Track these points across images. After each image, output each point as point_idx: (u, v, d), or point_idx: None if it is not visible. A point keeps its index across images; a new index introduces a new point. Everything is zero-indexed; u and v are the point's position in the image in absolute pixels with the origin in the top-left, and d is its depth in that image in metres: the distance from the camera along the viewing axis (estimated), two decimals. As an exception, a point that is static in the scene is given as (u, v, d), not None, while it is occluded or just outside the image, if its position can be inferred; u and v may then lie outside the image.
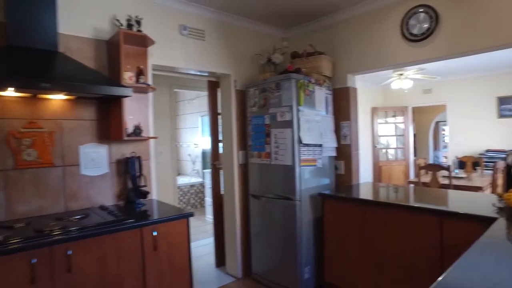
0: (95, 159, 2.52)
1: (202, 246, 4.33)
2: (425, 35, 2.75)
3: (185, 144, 7.64)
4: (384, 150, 7.34)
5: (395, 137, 7.38)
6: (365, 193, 2.94)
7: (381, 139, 7.31)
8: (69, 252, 1.79)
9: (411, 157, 7.36)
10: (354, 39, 3.19)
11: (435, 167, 4.32)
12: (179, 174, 7.50)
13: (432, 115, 9.14)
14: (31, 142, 2.24)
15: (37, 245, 1.69)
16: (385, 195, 2.93)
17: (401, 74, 5.33)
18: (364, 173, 6.62)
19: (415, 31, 2.81)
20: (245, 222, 3.40)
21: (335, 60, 3.32)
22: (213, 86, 3.67)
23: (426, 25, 2.74)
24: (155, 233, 2.11)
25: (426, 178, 4.55)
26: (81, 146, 2.46)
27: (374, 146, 7.18)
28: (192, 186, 6.78)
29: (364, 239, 2.58)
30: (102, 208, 2.40)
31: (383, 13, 2.98)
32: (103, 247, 1.92)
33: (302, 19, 3.42)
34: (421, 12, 2.77)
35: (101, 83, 2.09)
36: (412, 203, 2.52)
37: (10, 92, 1.98)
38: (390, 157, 7.38)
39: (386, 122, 7.33)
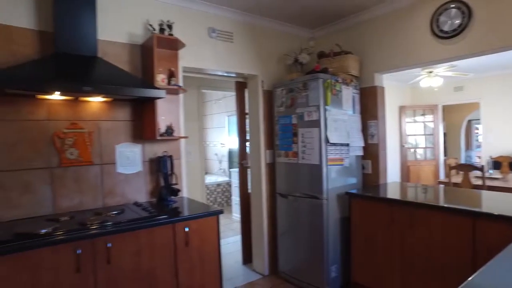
0: (130, 158, 2.65)
1: (229, 244, 4.42)
2: (457, 32, 2.68)
3: (212, 144, 7.78)
4: (412, 150, 7.17)
5: (424, 136, 7.19)
6: (392, 192, 2.91)
7: (409, 139, 7.14)
8: (109, 245, 1.91)
9: (441, 157, 7.14)
10: (382, 37, 3.16)
11: (467, 167, 4.19)
12: (206, 173, 7.66)
13: (464, 113, 8.81)
14: (73, 142, 2.40)
15: (82, 237, 1.82)
16: (414, 195, 2.89)
17: (431, 72, 5.19)
18: (392, 173, 6.49)
19: (446, 27, 2.75)
20: (272, 220, 3.45)
21: (362, 59, 3.30)
22: (241, 86, 3.74)
23: (457, 21, 2.67)
24: (186, 229, 2.20)
25: (457, 178, 4.42)
26: (117, 146, 2.59)
27: (402, 146, 7.03)
28: (218, 185, 6.91)
29: (392, 239, 2.56)
30: (136, 204, 2.52)
31: (412, 10, 2.94)
32: (139, 241, 2.03)
33: (328, 18, 3.43)
34: (453, 8, 2.71)
35: (136, 85, 2.21)
36: (443, 203, 2.48)
37: (56, 95, 2.13)
38: (418, 156, 7.19)
39: (415, 121, 7.16)
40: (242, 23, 3.28)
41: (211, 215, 2.33)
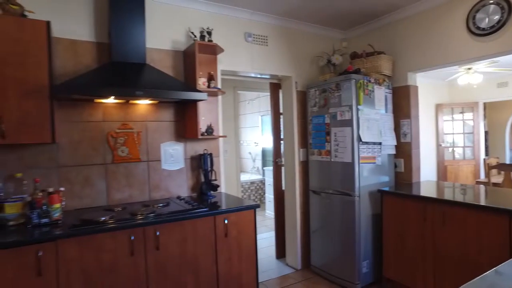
0: (173, 156, 2.88)
1: (263, 239, 4.58)
2: (495, 28, 2.66)
3: (246, 143, 7.99)
4: (450, 149, 6.95)
5: (462, 135, 6.94)
6: (425, 190, 2.93)
7: (447, 137, 6.93)
8: (158, 233, 2.14)
9: (482, 156, 6.87)
10: (415, 36, 3.17)
11: (509, 167, 4.06)
12: (240, 171, 7.88)
13: (509, 110, 8.37)
14: (124, 141, 2.66)
15: (134, 225, 2.05)
16: (447, 193, 2.89)
17: (469, 69, 5.05)
18: (427, 172, 6.37)
19: (483, 24, 2.73)
20: (305, 216, 3.57)
21: (395, 58, 3.33)
22: (275, 87, 3.89)
23: (496, 17, 2.65)
24: (226, 221, 2.39)
25: (498, 178, 4.29)
26: (162, 144, 2.83)
27: (438, 145, 6.84)
28: (252, 183, 7.10)
29: (424, 237, 2.60)
30: (179, 198, 2.75)
31: (446, 8, 2.93)
32: (183, 230, 2.24)
33: (361, 19, 3.48)
34: (491, 4, 2.69)
35: (181, 89, 2.42)
36: (477, 201, 2.48)
37: (111, 99, 2.40)
38: (457, 156, 6.96)
39: (453, 119, 6.93)
40: (277, 27, 3.42)
41: (248, 208, 2.50)
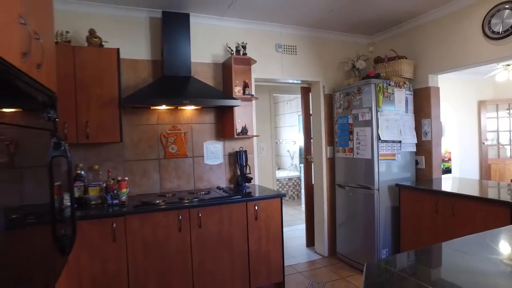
0: (214, 152, 3.40)
1: (297, 230, 4.98)
2: (509, 32, 2.81)
3: (285, 141, 8.40)
4: (494, 147, 6.77)
5: (509, 132, 6.72)
6: (442, 185, 3.14)
7: (491, 135, 6.76)
8: (200, 214, 2.65)
9: (531, 155, 6.60)
10: (435, 40, 3.38)
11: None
12: (279, 169, 8.32)
13: None
14: (174, 140, 3.23)
15: (182, 207, 2.59)
16: (464, 189, 3.08)
17: (508, 65, 4.99)
18: (468, 171, 6.31)
19: (498, 28, 2.89)
20: (332, 208, 3.92)
21: (416, 61, 3.55)
22: (305, 91, 4.27)
23: (510, 21, 2.80)
24: (256, 207, 2.85)
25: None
26: (204, 143, 3.36)
27: (481, 143, 6.70)
28: (290, 179, 7.50)
29: (436, 227, 2.84)
30: (219, 188, 3.26)
31: (463, 14, 3.12)
32: (221, 213, 2.73)
33: (385, 25, 3.73)
34: (506, 8, 2.85)
35: (219, 97, 2.92)
36: (484, 195, 2.67)
37: (163, 107, 2.97)
38: (502, 154, 6.76)
39: (498, 117, 6.74)
40: (305, 36, 3.80)
41: (275, 197, 2.94)
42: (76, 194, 2.53)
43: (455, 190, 2.89)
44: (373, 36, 4.08)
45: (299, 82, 4.00)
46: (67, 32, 2.63)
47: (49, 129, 1.37)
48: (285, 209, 6.41)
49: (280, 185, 7.41)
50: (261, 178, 4.15)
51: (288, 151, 8.20)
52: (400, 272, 1.18)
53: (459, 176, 5.86)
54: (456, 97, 6.12)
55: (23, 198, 1.10)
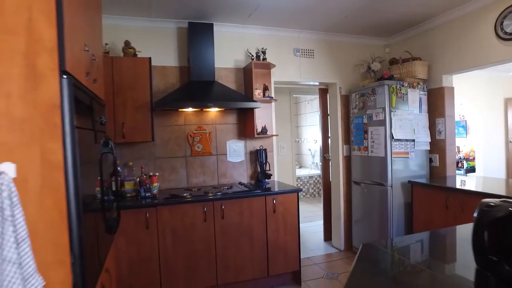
0: (236, 150, 3.67)
1: (316, 226, 5.17)
2: (521, 33, 2.90)
3: (306, 140, 8.57)
4: (522, 146, 6.64)
5: (537, 131, 6.57)
6: (454, 182, 3.25)
7: (517, 133, 6.63)
8: (223, 207, 2.92)
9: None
10: (449, 42, 3.48)
11: None
12: (300, 167, 8.51)
13: None
14: (199, 139, 3.52)
15: (207, 200, 2.87)
16: (489, 187, 3.17)
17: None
18: (493, 170, 6.24)
19: (510, 29, 2.97)
20: (348, 204, 4.09)
21: (430, 62, 3.66)
22: (323, 92, 4.46)
23: (523, 23, 2.89)
24: (274, 201, 3.09)
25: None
26: (227, 141, 3.64)
27: (508, 141, 6.60)
28: (311, 177, 7.67)
29: (447, 222, 2.97)
30: (240, 183, 3.52)
31: (476, 16, 3.21)
32: (242, 206, 2.99)
33: (400, 27, 3.86)
34: (519, 10, 2.93)
35: (240, 100, 3.18)
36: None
37: (190, 109, 3.26)
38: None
39: (525, 114, 6.60)
40: (321, 40, 3.99)
41: (292, 192, 3.17)
42: (114, 187, 2.87)
43: (479, 189, 2.98)
44: (389, 38, 4.21)
45: (317, 83, 4.19)
46: (106, 44, 2.97)
47: (103, 131, 1.67)
48: (305, 206, 6.62)
49: (302, 183, 7.61)
50: (281, 176, 4.38)
51: (309, 149, 8.36)
52: (386, 249, 1.39)
53: (484, 175, 5.83)
54: (480, 95, 6.08)
55: (92, 187, 1.39)
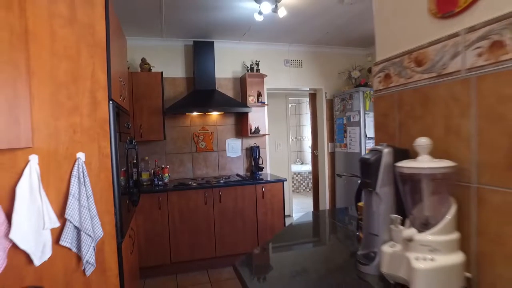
0: (234, 147, 4.33)
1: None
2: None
3: (307, 138, 9.17)
4: None
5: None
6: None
7: None
8: (220, 193, 3.59)
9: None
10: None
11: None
12: (302, 163, 9.13)
13: None
14: (203, 138, 4.20)
15: (207, 187, 3.55)
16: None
17: None
18: None
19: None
20: (332, 193, 4.71)
21: (402, 72, 4.24)
22: (312, 96, 5.08)
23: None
24: (263, 189, 3.74)
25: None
26: (227, 140, 4.31)
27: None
28: (310, 172, 8.27)
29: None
30: (237, 175, 4.19)
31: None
32: (236, 192, 3.66)
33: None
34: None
35: (236, 106, 3.85)
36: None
37: (195, 113, 3.95)
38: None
39: None
40: (309, 52, 4.62)
41: (278, 181, 3.82)
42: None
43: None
44: (370, 48, 4.80)
45: (307, 89, 4.82)
46: (127, 61, 3.67)
47: (128, 133, 2.36)
48: (302, 199, 7.26)
49: (301, 178, 8.24)
50: (278, 171, 5.03)
51: (309, 147, 8.96)
52: (326, 216, 2.04)
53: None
54: None
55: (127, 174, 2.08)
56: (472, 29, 0.97)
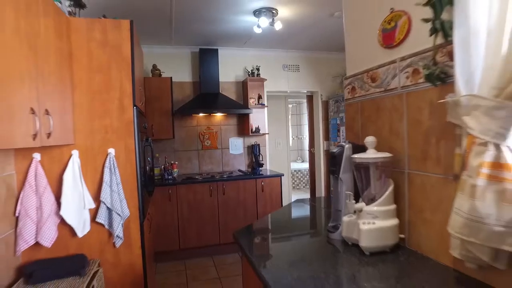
0: (236, 145, 4.72)
1: (307, 209, 6.17)
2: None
3: (307, 137, 9.54)
4: None
5: None
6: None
7: None
8: (224, 186, 3.99)
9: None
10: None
11: None
12: (303, 161, 9.50)
13: None
14: (208, 136, 4.59)
15: (212, 181, 3.94)
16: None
17: None
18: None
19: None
20: (327, 189, 5.08)
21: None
22: (310, 98, 5.45)
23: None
24: (262, 183, 4.13)
25: None
26: (230, 138, 4.70)
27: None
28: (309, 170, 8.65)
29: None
30: (239, 170, 4.58)
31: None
32: (238, 186, 4.05)
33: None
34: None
35: (238, 107, 4.24)
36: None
37: (201, 114, 4.34)
38: None
39: None
40: (306, 57, 4.99)
41: (276, 176, 4.20)
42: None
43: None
44: (363, 54, 5.16)
45: (305, 92, 5.19)
46: (140, 67, 4.08)
47: (145, 132, 2.76)
48: (301, 195, 7.63)
49: (302, 175, 8.61)
50: (278, 168, 5.41)
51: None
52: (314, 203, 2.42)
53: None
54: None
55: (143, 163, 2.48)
56: (403, 59, 1.35)
